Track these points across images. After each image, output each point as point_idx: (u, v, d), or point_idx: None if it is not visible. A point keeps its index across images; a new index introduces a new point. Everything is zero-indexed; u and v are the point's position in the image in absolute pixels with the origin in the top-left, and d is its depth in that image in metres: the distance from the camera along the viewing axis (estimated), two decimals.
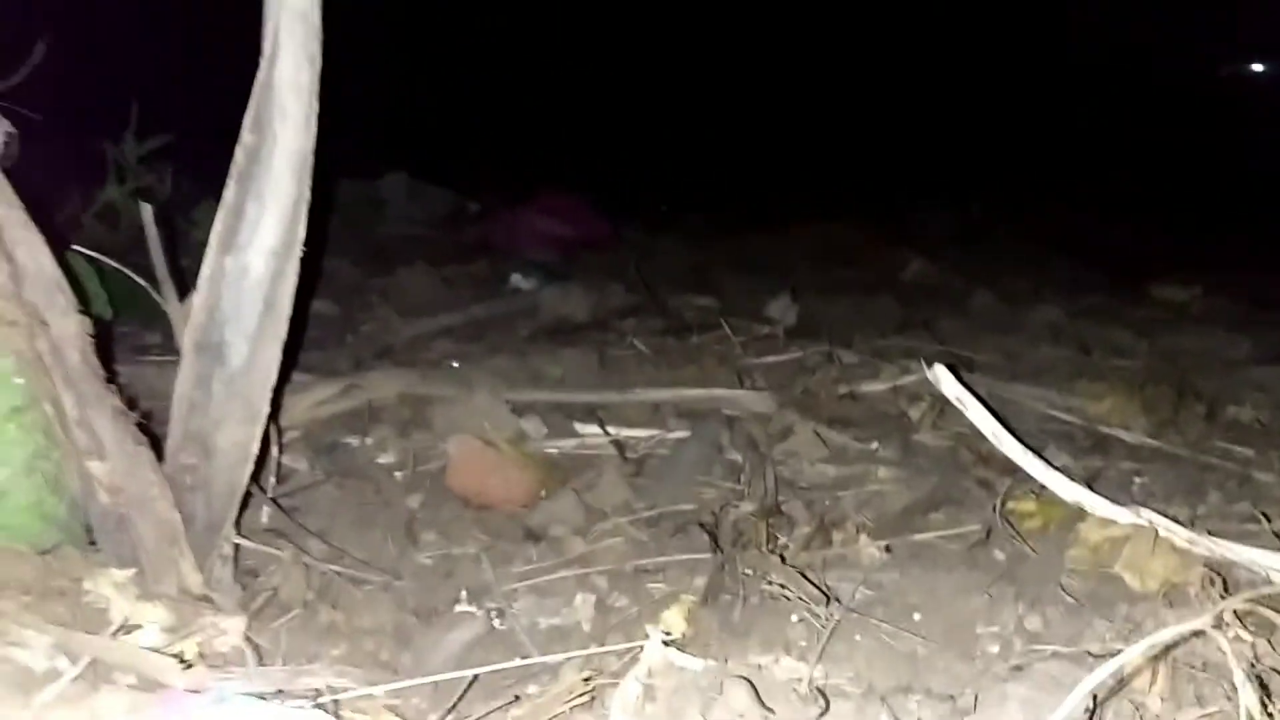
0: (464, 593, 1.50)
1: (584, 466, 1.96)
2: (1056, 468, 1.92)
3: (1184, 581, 1.45)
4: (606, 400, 2.16)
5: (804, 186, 6.03)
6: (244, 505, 1.45)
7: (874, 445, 2.09)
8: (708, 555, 1.57)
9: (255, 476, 1.49)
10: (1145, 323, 3.59)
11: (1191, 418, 2.49)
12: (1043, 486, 1.73)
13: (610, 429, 2.09)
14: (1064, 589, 1.47)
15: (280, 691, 1.03)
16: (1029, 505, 1.76)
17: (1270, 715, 1.01)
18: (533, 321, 3.21)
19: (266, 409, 1.37)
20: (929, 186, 5.81)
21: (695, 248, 4.72)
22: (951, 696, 1.16)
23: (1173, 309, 3.98)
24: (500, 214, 4.71)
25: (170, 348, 1.56)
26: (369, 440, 2.03)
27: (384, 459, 1.97)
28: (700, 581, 1.48)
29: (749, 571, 1.48)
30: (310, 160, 1.39)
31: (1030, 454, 1.72)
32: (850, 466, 1.98)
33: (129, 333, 2.50)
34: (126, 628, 1.14)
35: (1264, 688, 1.08)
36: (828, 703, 1.14)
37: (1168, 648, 1.20)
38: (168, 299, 1.54)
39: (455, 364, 2.57)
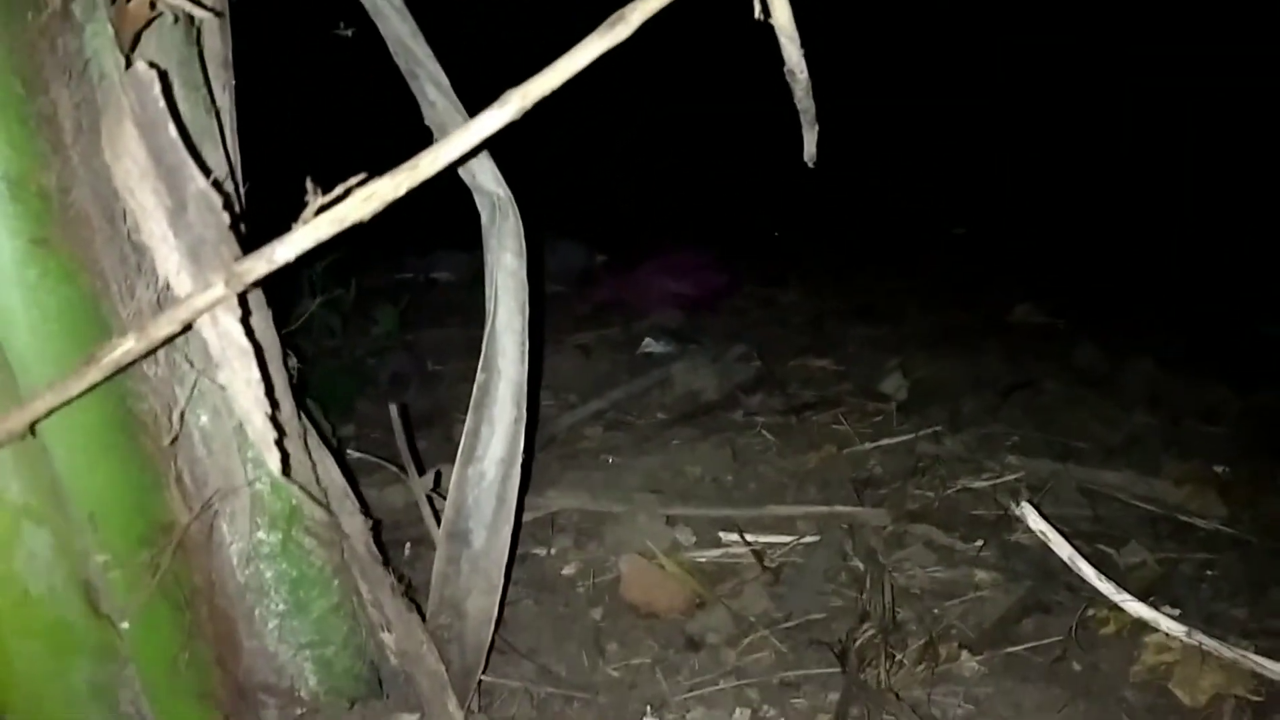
0: (648, 706, 1.93)
1: (729, 574, 2.38)
2: (1128, 566, 2.29)
3: (1226, 701, 1.80)
4: (745, 515, 2.57)
5: (919, 216, 6.32)
6: None
7: (978, 544, 2.45)
8: (838, 670, 1.98)
9: None
10: (1243, 371, 3.79)
11: (1270, 494, 2.79)
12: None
13: (749, 536, 2.50)
14: (1124, 704, 1.83)
15: None
16: (1106, 612, 2.11)
17: None
18: (668, 398, 3.65)
19: (502, 581, 1.83)
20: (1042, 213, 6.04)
21: (812, 295, 5.08)
22: None
23: (1275, 348, 4.18)
24: (626, 271, 5.14)
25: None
26: (552, 551, 2.49)
27: (567, 571, 2.42)
28: (833, 697, 1.89)
29: (872, 690, 1.89)
30: (525, 386, 1.84)
31: (1102, 577, 2.07)
32: (955, 569, 2.35)
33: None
34: None
35: None
36: None
37: None
38: (411, 478, 2.03)
39: (610, 459, 3.03)
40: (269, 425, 1.15)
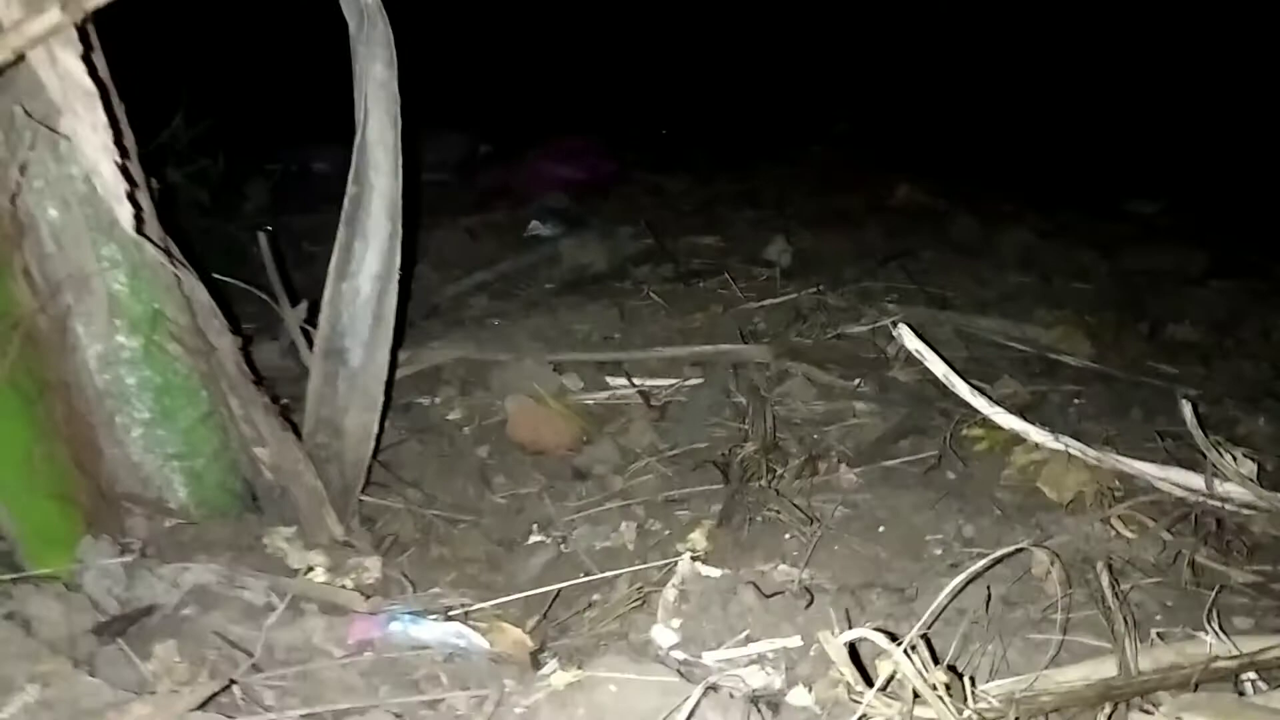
0: (534, 525, 1.93)
1: (616, 414, 2.38)
2: (1001, 397, 2.35)
3: (1089, 492, 1.88)
4: (632, 357, 2.57)
5: (812, 112, 6.32)
6: None
7: (856, 382, 2.50)
8: (721, 486, 2.00)
9: None
10: (1110, 240, 3.94)
11: (1133, 339, 2.91)
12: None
13: (636, 380, 2.50)
14: (996, 502, 1.90)
15: (425, 610, 1.47)
16: (978, 431, 2.18)
17: (1117, 591, 1.44)
18: (555, 271, 3.62)
19: (382, 398, 1.79)
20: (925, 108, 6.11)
21: (701, 183, 5.06)
22: (901, 589, 1.60)
23: (1139, 223, 4.36)
24: (512, 159, 5.05)
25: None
26: (437, 400, 2.45)
27: (452, 416, 2.38)
28: (716, 508, 1.91)
29: (753, 499, 1.91)
30: (399, 202, 1.78)
31: (975, 393, 2.13)
32: (835, 403, 2.39)
33: None
34: (305, 570, 1.58)
35: (1113, 572, 1.51)
36: (812, 597, 1.57)
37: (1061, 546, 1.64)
38: (284, 307, 1.97)
39: (496, 322, 2.99)
40: (119, 176, 1.08)
